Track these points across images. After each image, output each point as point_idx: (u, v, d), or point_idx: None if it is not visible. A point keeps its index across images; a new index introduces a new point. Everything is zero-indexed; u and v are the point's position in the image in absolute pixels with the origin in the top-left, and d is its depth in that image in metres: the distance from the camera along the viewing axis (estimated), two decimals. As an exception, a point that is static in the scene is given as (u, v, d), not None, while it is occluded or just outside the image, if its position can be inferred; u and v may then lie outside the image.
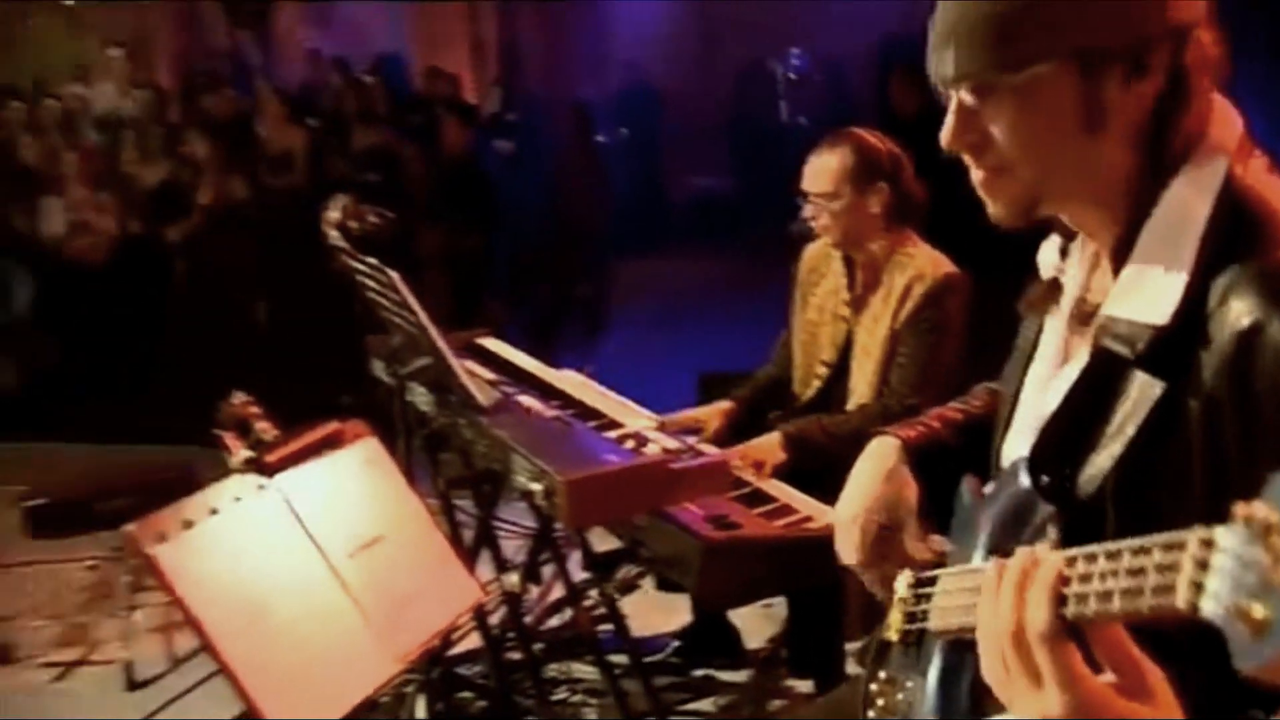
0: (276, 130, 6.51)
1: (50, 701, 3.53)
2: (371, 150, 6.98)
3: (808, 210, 2.79)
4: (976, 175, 1.13)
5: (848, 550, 1.44)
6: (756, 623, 3.36)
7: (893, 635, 1.33)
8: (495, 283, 6.94)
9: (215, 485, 1.72)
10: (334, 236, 2.59)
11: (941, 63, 1.11)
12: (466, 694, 2.98)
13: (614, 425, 2.56)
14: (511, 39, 11.76)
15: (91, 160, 6.92)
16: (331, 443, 1.89)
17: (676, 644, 3.35)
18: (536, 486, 2.11)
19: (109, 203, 6.44)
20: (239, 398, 1.77)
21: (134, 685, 3.49)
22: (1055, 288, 1.24)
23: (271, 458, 1.79)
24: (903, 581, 1.33)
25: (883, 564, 1.41)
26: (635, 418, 2.64)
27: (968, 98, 1.09)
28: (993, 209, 1.15)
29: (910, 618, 1.30)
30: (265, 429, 1.76)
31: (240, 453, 1.76)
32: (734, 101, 11.80)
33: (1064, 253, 1.25)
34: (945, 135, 1.12)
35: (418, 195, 6.48)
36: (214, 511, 1.68)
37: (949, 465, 1.36)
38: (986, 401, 1.49)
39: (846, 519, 1.44)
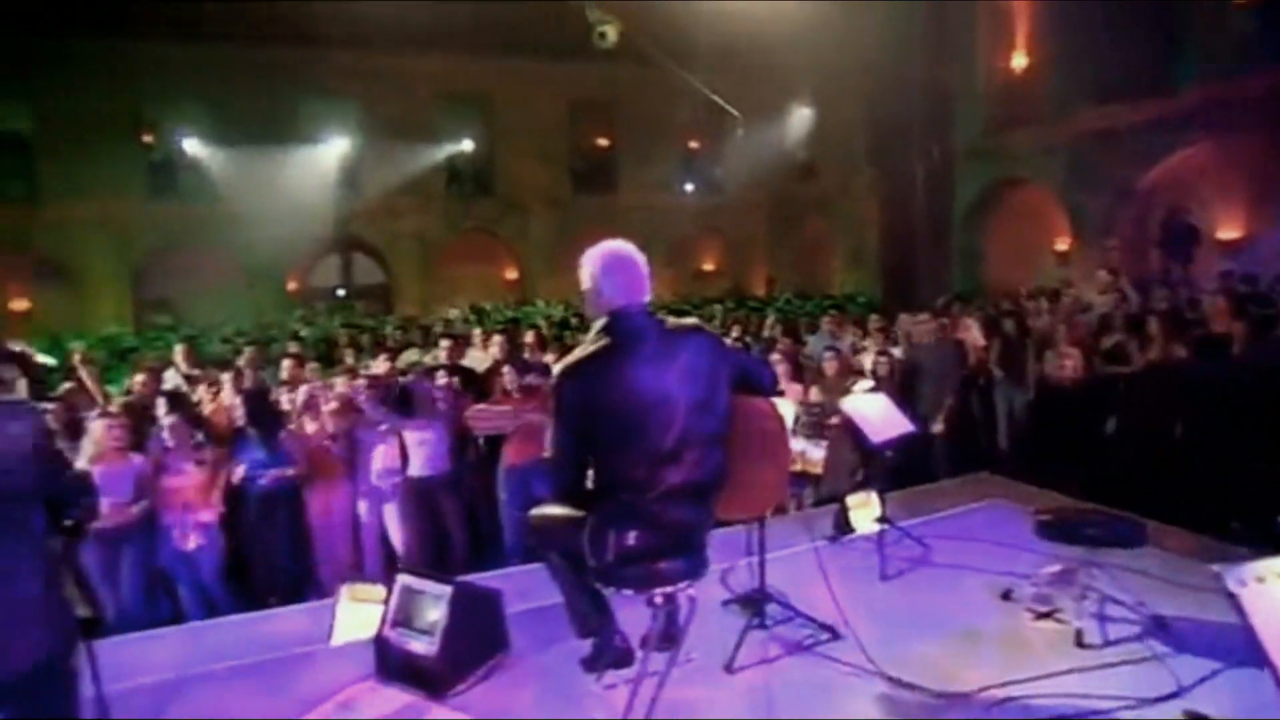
0: (1220, 318, 5.27)
1: (1031, 632, 3.17)
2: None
3: None
4: None
5: None
6: None
7: None
8: None
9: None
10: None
11: None
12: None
13: None
14: None
15: (1074, 329, 6.33)
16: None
17: None
18: None
19: (1078, 354, 5.77)
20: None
21: (1080, 644, 2.97)
22: None
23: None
24: None
25: None
26: None
27: None
28: None
29: None
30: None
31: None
32: None
33: None
34: None
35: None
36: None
37: None
38: None
39: None
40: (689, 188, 20.07)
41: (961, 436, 6.08)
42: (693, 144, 19.89)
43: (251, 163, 15.13)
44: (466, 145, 17.54)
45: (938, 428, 5.95)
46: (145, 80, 14.88)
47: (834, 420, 4.62)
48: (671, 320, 2.33)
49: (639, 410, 2.14)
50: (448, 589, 2.97)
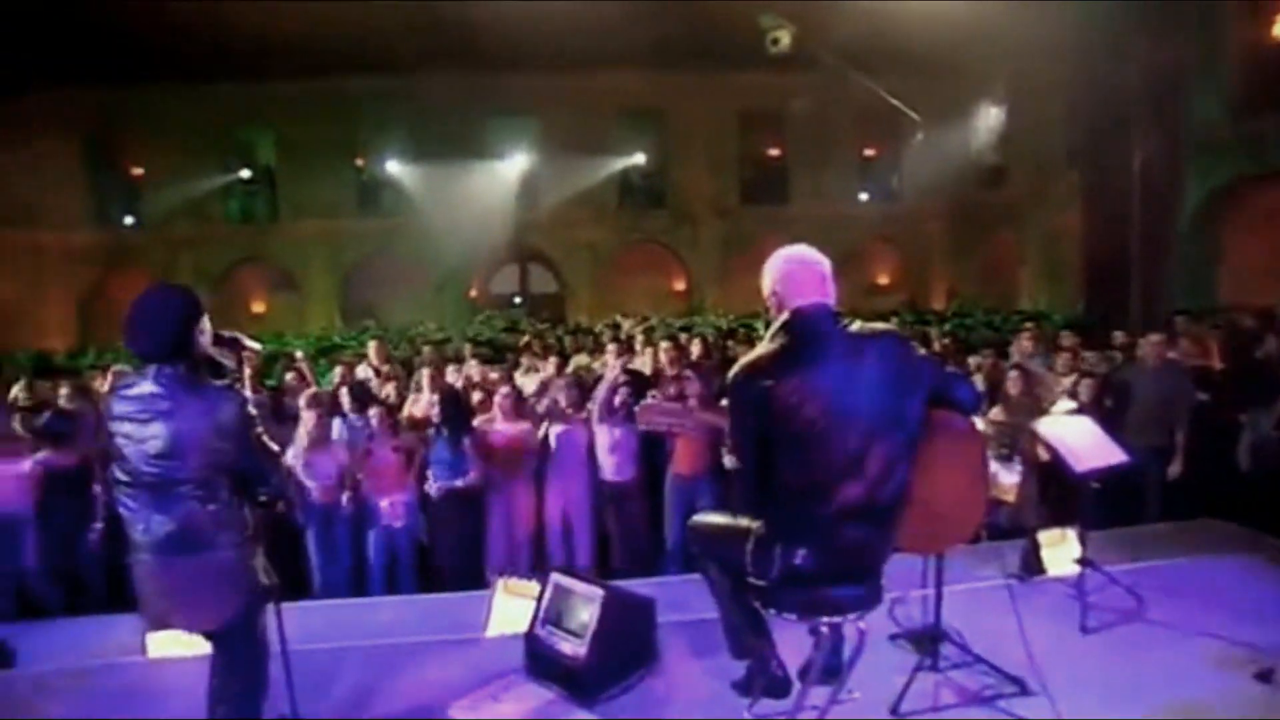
0: None
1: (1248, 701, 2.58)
2: None
3: None
4: None
5: None
6: None
7: None
8: None
9: None
10: None
11: None
12: None
13: None
14: None
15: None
16: None
17: None
18: None
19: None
20: None
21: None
22: None
23: None
24: None
25: None
26: None
27: None
28: None
29: None
30: None
31: None
32: None
33: None
34: None
35: None
36: None
37: None
38: None
39: None
40: (863, 196, 19.25)
41: (1186, 474, 5.22)
42: (868, 151, 19.06)
43: (442, 179, 16.60)
44: (639, 158, 18.04)
45: (1174, 468, 5.20)
46: (360, 110, 16.87)
47: (1028, 443, 4.11)
48: (859, 323, 2.16)
49: (817, 415, 1.97)
50: (600, 592, 2.95)
